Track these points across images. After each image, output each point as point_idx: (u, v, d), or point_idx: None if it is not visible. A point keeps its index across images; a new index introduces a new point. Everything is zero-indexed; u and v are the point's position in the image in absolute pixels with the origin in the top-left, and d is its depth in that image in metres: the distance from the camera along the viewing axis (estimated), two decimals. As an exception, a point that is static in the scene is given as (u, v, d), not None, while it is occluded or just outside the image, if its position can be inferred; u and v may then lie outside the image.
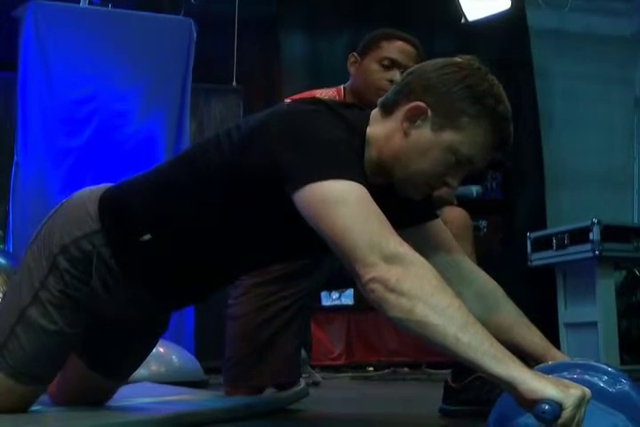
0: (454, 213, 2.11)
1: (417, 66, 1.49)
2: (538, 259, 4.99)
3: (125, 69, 4.22)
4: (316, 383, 3.52)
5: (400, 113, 1.44)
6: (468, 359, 1.13)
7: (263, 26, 5.23)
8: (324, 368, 4.60)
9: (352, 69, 2.36)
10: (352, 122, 1.44)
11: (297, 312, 2.20)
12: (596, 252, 4.49)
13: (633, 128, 5.89)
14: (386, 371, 4.63)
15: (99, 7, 4.33)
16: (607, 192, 5.67)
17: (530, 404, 1.06)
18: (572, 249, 4.69)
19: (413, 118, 1.42)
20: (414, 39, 2.35)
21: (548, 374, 1.16)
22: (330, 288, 4.23)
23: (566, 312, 4.86)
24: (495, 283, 1.59)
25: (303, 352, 3.54)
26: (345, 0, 5.34)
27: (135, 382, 2.63)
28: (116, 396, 1.92)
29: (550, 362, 1.31)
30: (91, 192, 1.69)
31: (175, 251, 1.58)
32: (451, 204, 2.19)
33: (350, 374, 4.51)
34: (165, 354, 3.38)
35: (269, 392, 2.25)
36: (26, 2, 4.07)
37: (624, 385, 1.15)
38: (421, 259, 1.23)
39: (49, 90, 4.07)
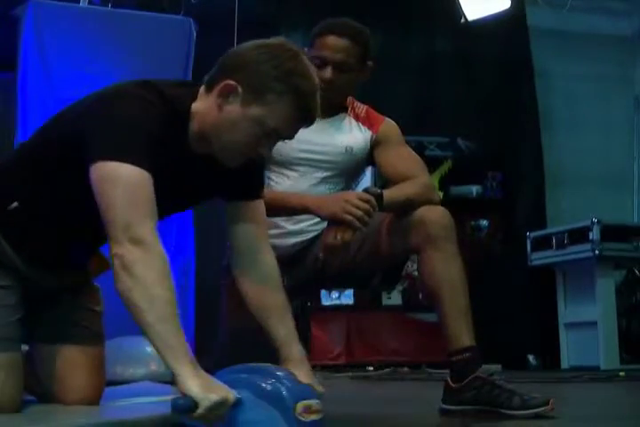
0: (437, 213, 2.01)
1: (236, 47, 1.62)
2: (537, 258, 4.99)
3: (125, 69, 4.21)
4: (315, 383, 3.52)
5: (216, 89, 1.57)
6: (155, 346, 1.38)
7: (263, 26, 5.21)
8: (323, 368, 4.61)
9: None
10: (176, 98, 1.61)
11: None
12: (596, 251, 4.49)
13: (633, 128, 5.90)
14: (385, 371, 4.63)
15: (98, 7, 4.33)
16: (607, 192, 5.67)
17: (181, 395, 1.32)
18: (571, 249, 4.69)
19: (226, 94, 1.56)
20: (350, 28, 2.26)
21: (233, 373, 1.41)
22: (329, 288, 4.23)
23: (566, 312, 4.86)
24: (278, 274, 1.76)
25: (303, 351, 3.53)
26: (345, 0, 5.32)
27: (134, 381, 2.63)
28: (114, 395, 1.92)
29: (239, 365, 1.46)
30: None
31: (39, 217, 1.75)
32: (432, 202, 2.07)
33: (350, 373, 4.51)
34: (165, 354, 3.36)
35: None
36: (25, 1, 4.08)
37: (281, 385, 1.36)
38: (161, 251, 1.43)
39: (48, 90, 4.07)
